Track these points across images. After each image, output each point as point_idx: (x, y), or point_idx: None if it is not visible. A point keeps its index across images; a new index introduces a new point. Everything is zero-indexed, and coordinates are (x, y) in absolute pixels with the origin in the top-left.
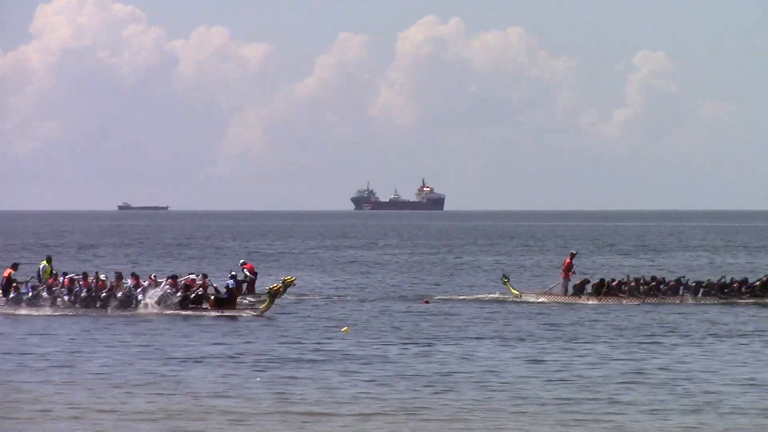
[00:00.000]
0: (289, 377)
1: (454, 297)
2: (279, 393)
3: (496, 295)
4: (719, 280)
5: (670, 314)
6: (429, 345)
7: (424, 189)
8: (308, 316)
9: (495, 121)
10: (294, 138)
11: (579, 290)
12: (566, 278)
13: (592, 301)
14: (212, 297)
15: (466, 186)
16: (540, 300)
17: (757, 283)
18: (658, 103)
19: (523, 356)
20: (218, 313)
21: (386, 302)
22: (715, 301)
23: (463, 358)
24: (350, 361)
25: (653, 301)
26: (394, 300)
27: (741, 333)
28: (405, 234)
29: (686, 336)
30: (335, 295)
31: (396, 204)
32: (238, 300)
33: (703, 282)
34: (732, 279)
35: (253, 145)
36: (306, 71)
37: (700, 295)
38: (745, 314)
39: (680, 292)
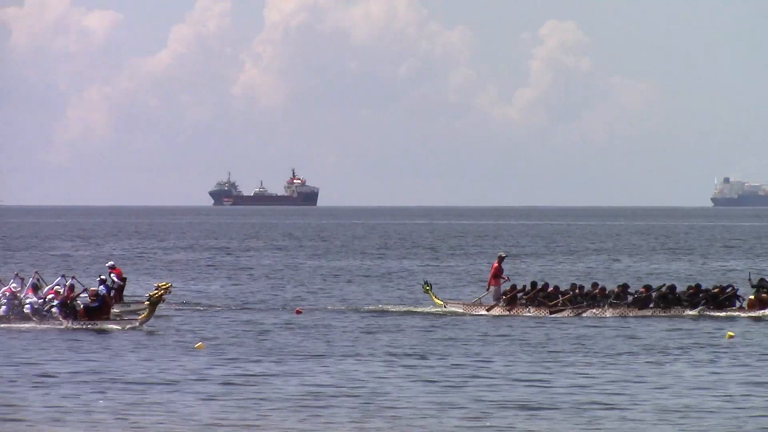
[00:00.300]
0: (135, 401)
1: (330, 306)
2: (123, 419)
3: (381, 306)
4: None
5: (588, 327)
6: (299, 362)
7: (295, 181)
8: (157, 330)
9: (378, 103)
10: (143, 121)
11: (511, 298)
12: (496, 285)
13: (495, 311)
14: (82, 306)
15: (344, 178)
16: (465, 311)
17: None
18: (567, 81)
19: (410, 376)
20: (80, 326)
21: (250, 312)
22: (659, 313)
23: (339, 377)
24: (206, 383)
25: (587, 312)
26: (258, 310)
27: (665, 350)
28: (272, 233)
29: (600, 352)
30: (190, 305)
31: (262, 198)
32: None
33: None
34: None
35: (96, 129)
36: (158, 44)
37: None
38: (668, 328)
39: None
